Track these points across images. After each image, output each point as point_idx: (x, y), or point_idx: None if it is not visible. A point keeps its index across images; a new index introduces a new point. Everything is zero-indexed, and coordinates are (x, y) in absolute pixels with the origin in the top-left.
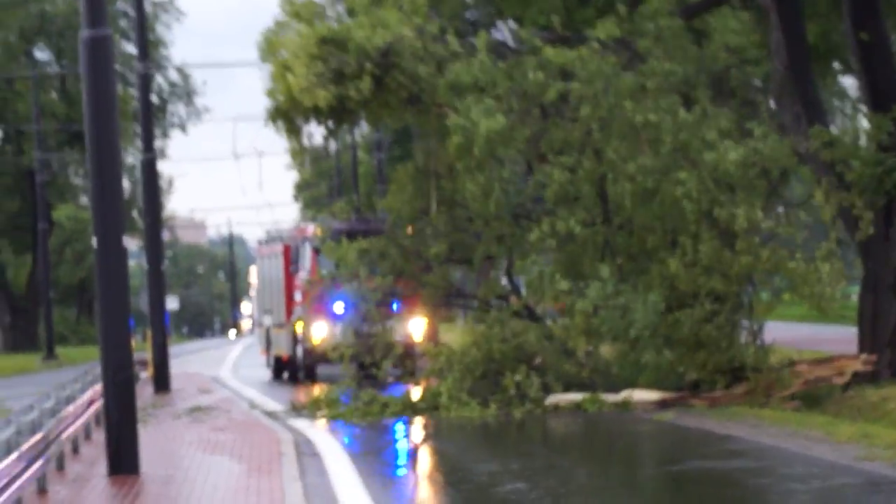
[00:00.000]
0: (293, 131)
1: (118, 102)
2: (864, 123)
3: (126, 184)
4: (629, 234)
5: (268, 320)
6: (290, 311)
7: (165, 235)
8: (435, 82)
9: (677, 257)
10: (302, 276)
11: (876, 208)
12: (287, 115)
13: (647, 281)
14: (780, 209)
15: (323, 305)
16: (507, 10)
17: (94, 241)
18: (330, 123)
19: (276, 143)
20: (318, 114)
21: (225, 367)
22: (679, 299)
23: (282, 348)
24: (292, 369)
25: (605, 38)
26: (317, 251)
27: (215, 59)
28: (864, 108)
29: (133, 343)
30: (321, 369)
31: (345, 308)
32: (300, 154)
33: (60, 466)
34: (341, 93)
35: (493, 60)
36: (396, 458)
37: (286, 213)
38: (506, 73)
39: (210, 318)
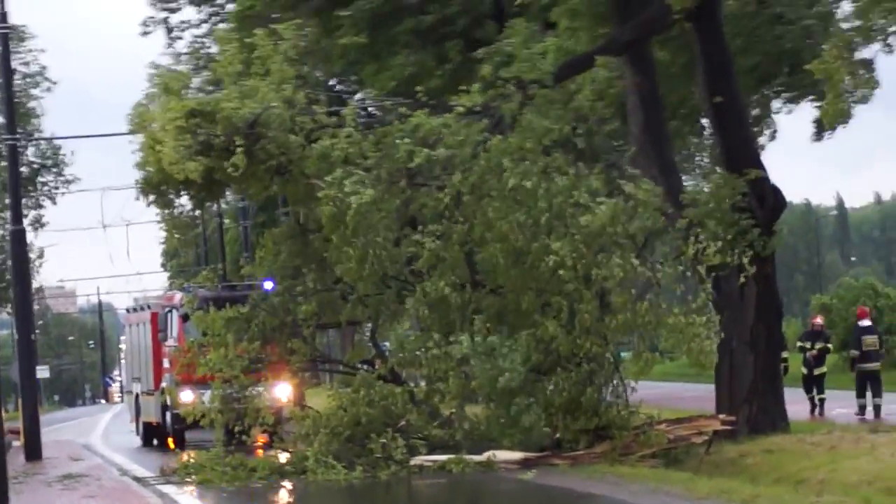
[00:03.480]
0: (164, 204)
1: None
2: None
3: None
4: (501, 296)
5: (137, 387)
6: (158, 378)
7: (36, 305)
8: (304, 153)
9: (554, 319)
10: (170, 343)
11: (731, 267)
12: (157, 187)
13: (519, 341)
14: (651, 264)
15: (190, 372)
16: (366, 78)
17: None
18: (200, 195)
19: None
20: (188, 186)
21: (96, 435)
22: (553, 361)
23: (151, 415)
24: (162, 435)
25: (470, 104)
26: (184, 318)
27: (89, 129)
28: (719, 168)
29: (4, 412)
30: (190, 435)
31: (212, 373)
32: (169, 224)
33: None
34: (210, 165)
35: (360, 131)
36: None
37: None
38: (374, 143)
39: (81, 386)
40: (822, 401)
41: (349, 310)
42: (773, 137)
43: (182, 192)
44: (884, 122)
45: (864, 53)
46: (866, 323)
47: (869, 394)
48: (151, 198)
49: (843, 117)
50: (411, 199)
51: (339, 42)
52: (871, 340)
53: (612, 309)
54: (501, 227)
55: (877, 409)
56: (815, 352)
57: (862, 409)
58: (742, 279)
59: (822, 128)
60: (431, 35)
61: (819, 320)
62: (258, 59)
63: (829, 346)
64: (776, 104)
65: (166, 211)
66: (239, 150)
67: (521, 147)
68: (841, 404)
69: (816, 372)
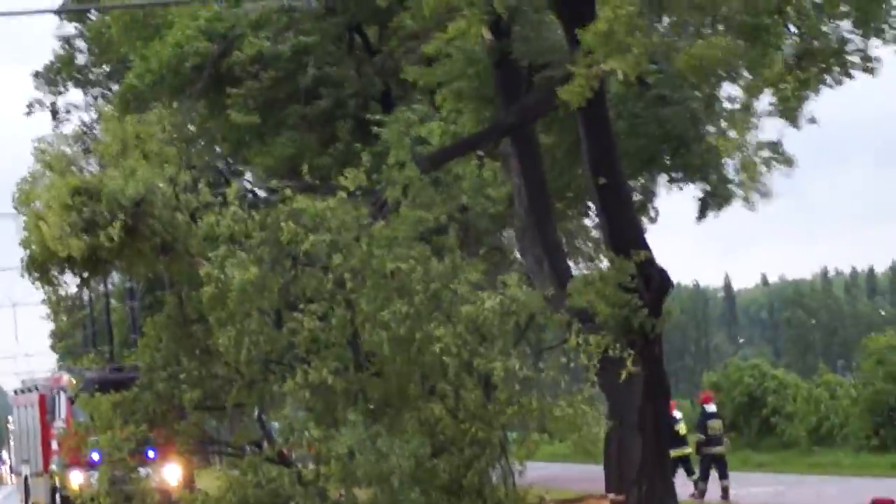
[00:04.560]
0: (48, 282)
1: None
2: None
3: None
4: (385, 381)
5: (26, 469)
6: (47, 460)
7: None
8: (188, 232)
9: (440, 404)
10: (58, 425)
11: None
12: (42, 265)
13: (403, 426)
14: (535, 354)
15: (78, 454)
16: (252, 159)
17: None
18: (84, 273)
19: (33, 293)
20: (71, 264)
21: None
22: (439, 445)
23: (40, 497)
24: None
25: (352, 188)
26: (72, 401)
27: None
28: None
29: None
30: None
31: (100, 457)
32: (56, 304)
33: None
34: (94, 242)
35: (245, 210)
36: None
37: (43, 362)
38: (258, 223)
39: None
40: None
41: (234, 394)
42: (654, 220)
43: (66, 271)
44: (778, 200)
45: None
46: (712, 408)
47: (716, 475)
48: (36, 276)
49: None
50: (294, 281)
51: (231, 120)
52: (716, 425)
53: (497, 396)
54: (383, 316)
55: (725, 490)
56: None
57: (702, 493)
58: (628, 366)
59: (706, 207)
60: (320, 117)
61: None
62: (137, 140)
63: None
64: (661, 183)
65: (51, 290)
66: (117, 224)
67: (396, 234)
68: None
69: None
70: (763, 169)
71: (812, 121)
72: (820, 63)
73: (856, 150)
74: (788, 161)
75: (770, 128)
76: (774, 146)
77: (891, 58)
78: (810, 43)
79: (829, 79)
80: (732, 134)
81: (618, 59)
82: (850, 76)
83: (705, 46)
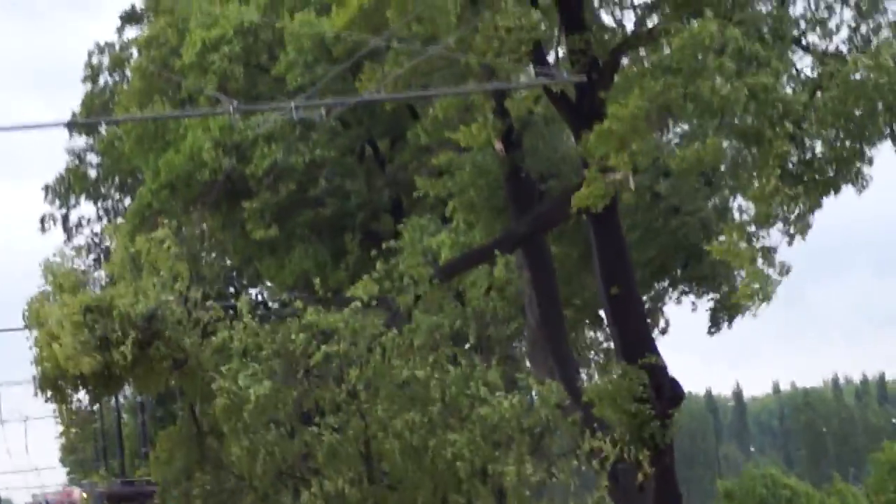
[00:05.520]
0: (61, 399)
1: None
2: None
3: None
4: (399, 492)
5: None
6: None
7: None
8: (200, 348)
9: None
10: None
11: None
12: (54, 382)
13: None
14: (549, 460)
15: None
16: (264, 272)
17: None
18: (96, 390)
19: (43, 407)
20: (84, 381)
21: None
22: None
23: None
24: None
25: (365, 298)
26: None
27: None
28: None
29: None
30: None
31: None
32: (68, 420)
33: None
34: (107, 359)
35: (257, 324)
36: None
37: (53, 476)
38: (270, 335)
39: None
40: None
41: None
42: (664, 332)
43: (79, 388)
44: (781, 309)
45: (765, 241)
46: None
47: None
48: (49, 393)
49: (765, 298)
50: (308, 393)
51: (248, 234)
52: None
53: None
54: (396, 425)
55: None
56: None
57: None
58: (640, 476)
59: (719, 318)
60: (329, 229)
61: None
62: (148, 256)
63: None
64: (673, 293)
65: (63, 406)
66: (132, 346)
67: (411, 342)
68: None
69: None
70: (773, 277)
71: (804, 231)
72: (816, 175)
73: (854, 257)
74: (785, 269)
75: (773, 237)
76: (767, 252)
77: (878, 168)
78: (808, 155)
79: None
80: (742, 245)
81: (617, 156)
82: (837, 190)
83: (700, 148)
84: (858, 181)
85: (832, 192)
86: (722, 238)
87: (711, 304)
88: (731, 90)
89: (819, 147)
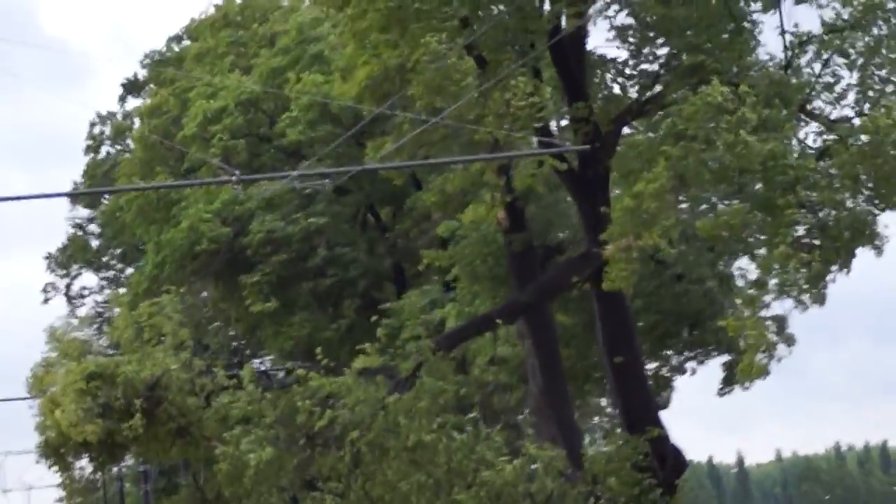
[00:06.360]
0: (64, 466)
1: None
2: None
3: None
4: None
5: None
6: None
7: None
8: (203, 415)
9: None
10: None
11: None
12: (57, 450)
13: None
14: None
15: None
16: (266, 342)
17: None
18: (100, 458)
19: (46, 477)
20: (87, 448)
21: None
22: None
23: None
24: None
25: (369, 365)
26: None
27: None
28: (619, 428)
29: None
30: None
31: None
32: (70, 488)
33: None
34: (110, 427)
35: (259, 391)
36: None
37: None
38: (272, 402)
39: None
40: None
41: None
42: (667, 403)
43: (82, 455)
44: (782, 377)
45: (774, 310)
46: None
47: None
48: (52, 461)
49: (760, 374)
50: (310, 459)
51: (248, 308)
52: None
53: None
54: (402, 487)
55: None
56: None
57: None
58: None
59: (730, 383)
60: (330, 298)
61: None
62: (151, 326)
63: None
64: (677, 360)
65: (66, 474)
66: (137, 413)
67: (416, 406)
68: None
69: None
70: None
71: (821, 299)
72: (834, 242)
73: (851, 325)
74: (790, 339)
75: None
76: (779, 322)
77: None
78: (823, 221)
79: (834, 267)
80: (747, 312)
81: (648, 233)
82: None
83: (728, 213)
84: (875, 242)
85: (848, 256)
86: (732, 311)
87: (720, 367)
88: (747, 155)
89: (833, 213)
